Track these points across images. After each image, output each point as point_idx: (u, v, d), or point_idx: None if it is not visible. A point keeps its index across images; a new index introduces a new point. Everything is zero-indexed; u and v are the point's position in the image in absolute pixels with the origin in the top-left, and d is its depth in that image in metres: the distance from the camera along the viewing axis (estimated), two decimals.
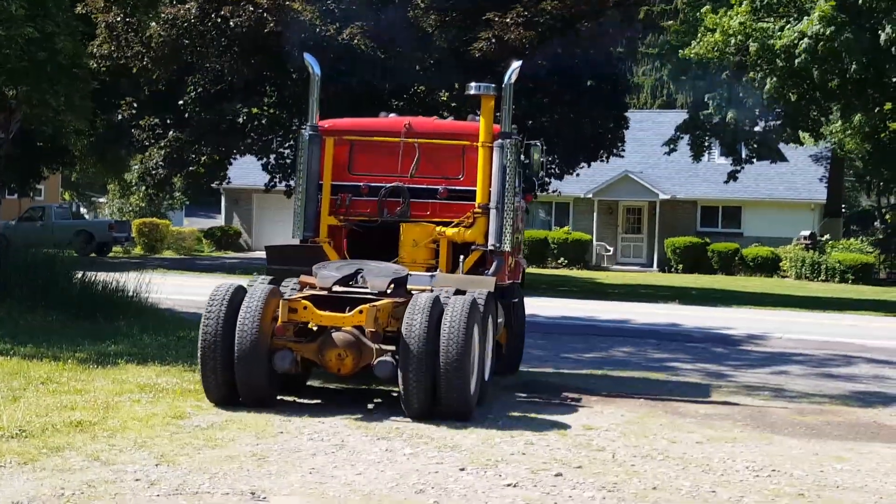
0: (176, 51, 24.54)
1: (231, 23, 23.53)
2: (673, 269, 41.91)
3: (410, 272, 10.65)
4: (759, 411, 11.27)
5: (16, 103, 16.73)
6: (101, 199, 60.32)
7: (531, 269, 39.43)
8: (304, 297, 9.78)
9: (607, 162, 31.07)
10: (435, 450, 8.49)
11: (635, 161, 43.60)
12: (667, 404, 11.44)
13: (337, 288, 10.12)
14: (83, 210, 49.33)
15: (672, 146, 32.61)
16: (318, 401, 10.40)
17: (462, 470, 7.89)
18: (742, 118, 28.10)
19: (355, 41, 23.62)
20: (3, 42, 14.93)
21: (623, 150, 30.22)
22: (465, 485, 7.51)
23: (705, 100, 28.97)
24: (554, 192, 31.53)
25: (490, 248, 11.25)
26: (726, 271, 41.04)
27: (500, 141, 11.23)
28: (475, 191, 11.42)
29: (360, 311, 9.51)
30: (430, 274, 10.97)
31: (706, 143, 33.00)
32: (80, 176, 51.28)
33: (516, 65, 11.43)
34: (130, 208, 52.82)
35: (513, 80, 11.26)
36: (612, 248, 44.17)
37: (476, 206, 11.34)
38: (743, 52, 25.59)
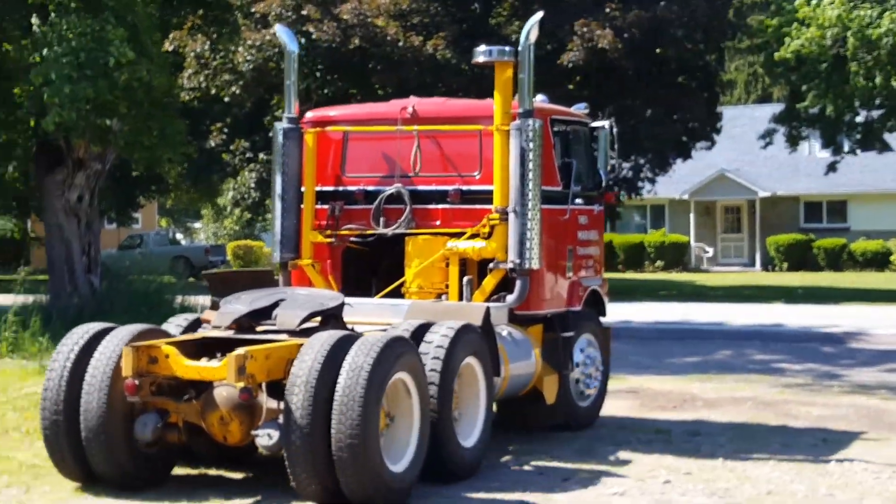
0: (263, 74, 24.78)
1: (314, 37, 23.66)
2: (777, 268, 40.88)
3: (348, 300, 8.06)
4: (876, 411, 10.76)
5: (112, 136, 17.05)
6: (197, 225, 61.45)
7: (626, 275, 38.83)
8: (169, 342, 7.34)
9: (691, 155, 30.21)
10: (537, 459, 8.25)
11: (731, 158, 42.69)
12: (776, 407, 10.99)
13: (264, 326, 7.75)
14: (179, 236, 50.24)
15: (768, 139, 31.73)
16: None
17: (566, 480, 7.64)
18: (842, 109, 27.22)
19: (439, 53, 23.55)
20: (121, 85, 15.31)
21: (713, 142, 29.40)
22: (572, 496, 7.26)
23: (802, 90, 28.14)
24: (649, 192, 30.97)
25: (509, 265, 8.74)
26: (833, 268, 39.85)
27: (517, 122, 8.72)
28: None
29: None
30: (404, 302, 8.61)
31: (804, 135, 32.05)
32: (175, 203, 52.31)
33: (535, 18, 8.80)
34: (225, 232, 53.66)
35: (531, 40, 8.72)
36: (711, 249, 43.28)
37: (493, 210, 8.86)
38: (840, 45, 24.81)
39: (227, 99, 25.63)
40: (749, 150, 42.21)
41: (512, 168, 8.72)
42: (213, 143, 29.14)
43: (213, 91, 25.42)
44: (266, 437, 6.79)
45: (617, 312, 20.88)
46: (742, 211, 43.61)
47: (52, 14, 15.81)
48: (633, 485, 7.51)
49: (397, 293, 9.09)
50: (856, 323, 19.14)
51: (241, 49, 23.84)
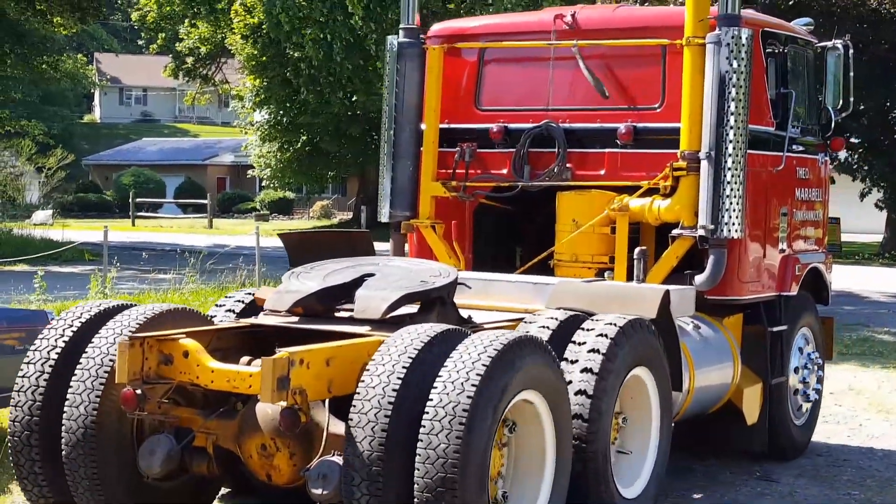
0: None
1: None
2: None
3: (464, 277, 6.21)
4: None
5: None
6: None
7: None
8: (192, 333, 5.32)
9: None
10: None
11: None
12: None
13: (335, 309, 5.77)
14: None
15: None
16: None
17: None
18: None
19: (883, 6, 23.40)
20: None
21: None
22: None
23: None
24: None
25: (700, 233, 6.72)
26: None
27: (717, 33, 6.66)
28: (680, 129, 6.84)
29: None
30: (549, 281, 6.51)
31: None
32: None
33: None
34: None
35: None
36: None
37: (679, 155, 6.81)
38: None
39: None
40: None
41: (707, 98, 6.65)
42: None
43: None
44: (318, 481, 4.68)
45: None
46: None
47: None
48: None
49: (545, 266, 7.12)
50: None
51: None
